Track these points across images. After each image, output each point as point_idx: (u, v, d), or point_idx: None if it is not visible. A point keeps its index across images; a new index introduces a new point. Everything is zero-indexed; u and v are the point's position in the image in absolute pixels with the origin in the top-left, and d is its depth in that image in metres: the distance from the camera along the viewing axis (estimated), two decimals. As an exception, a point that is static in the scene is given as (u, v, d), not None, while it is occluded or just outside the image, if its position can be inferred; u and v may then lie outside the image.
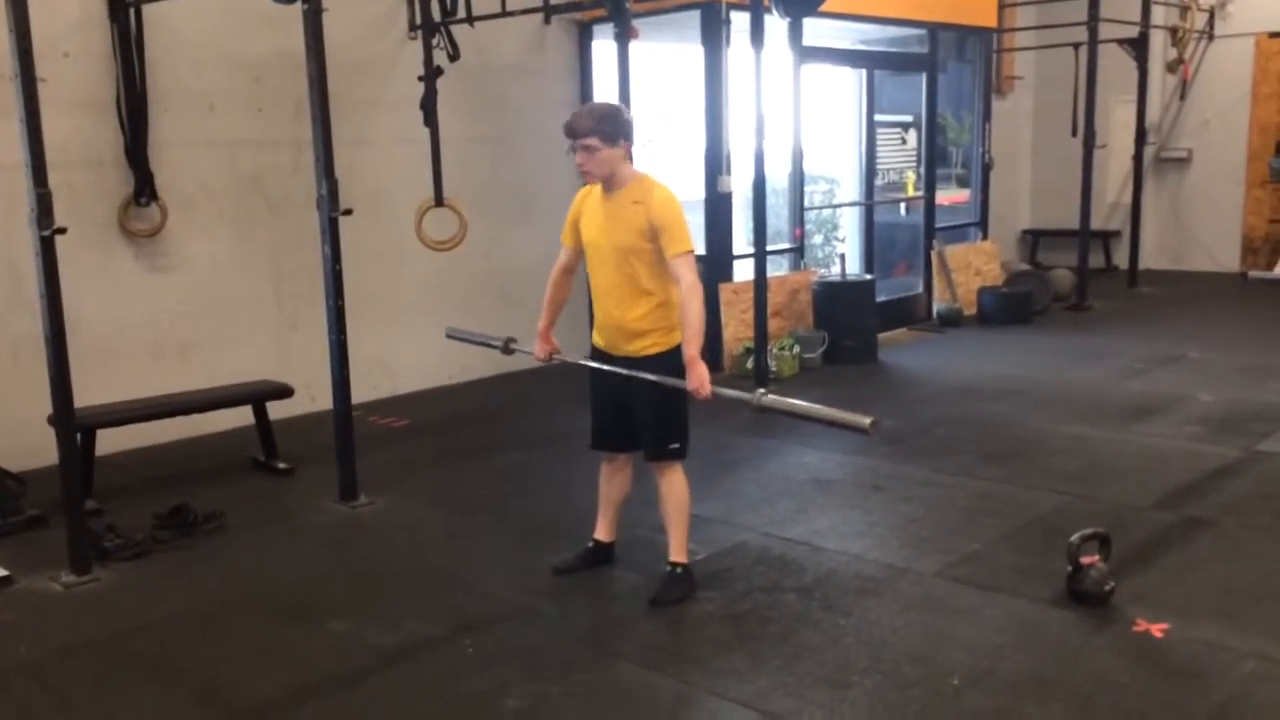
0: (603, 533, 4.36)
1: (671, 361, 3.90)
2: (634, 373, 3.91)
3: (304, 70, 4.91)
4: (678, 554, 4.06)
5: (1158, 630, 3.65)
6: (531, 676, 3.49)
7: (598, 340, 4.11)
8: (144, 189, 6.03)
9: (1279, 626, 3.67)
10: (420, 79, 6.58)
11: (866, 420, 3.48)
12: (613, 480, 4.28)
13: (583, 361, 4.16)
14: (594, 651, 3.67)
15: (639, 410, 4.00)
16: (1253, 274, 11.66)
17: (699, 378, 3.75)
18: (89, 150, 5.89)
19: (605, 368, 4.03)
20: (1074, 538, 3.89)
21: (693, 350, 3.77)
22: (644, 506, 4.50)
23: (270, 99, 6.56)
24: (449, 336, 4.83)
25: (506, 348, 4.47)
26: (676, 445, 4.02)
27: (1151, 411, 6.47)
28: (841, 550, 4.45)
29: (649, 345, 3.95)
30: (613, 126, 3.84)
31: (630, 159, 3.96)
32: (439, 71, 6.58)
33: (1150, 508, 4.85)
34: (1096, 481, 5.23)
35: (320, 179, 4.95)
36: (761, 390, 3.72)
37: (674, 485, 4.04)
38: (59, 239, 4.21)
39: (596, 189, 3.99)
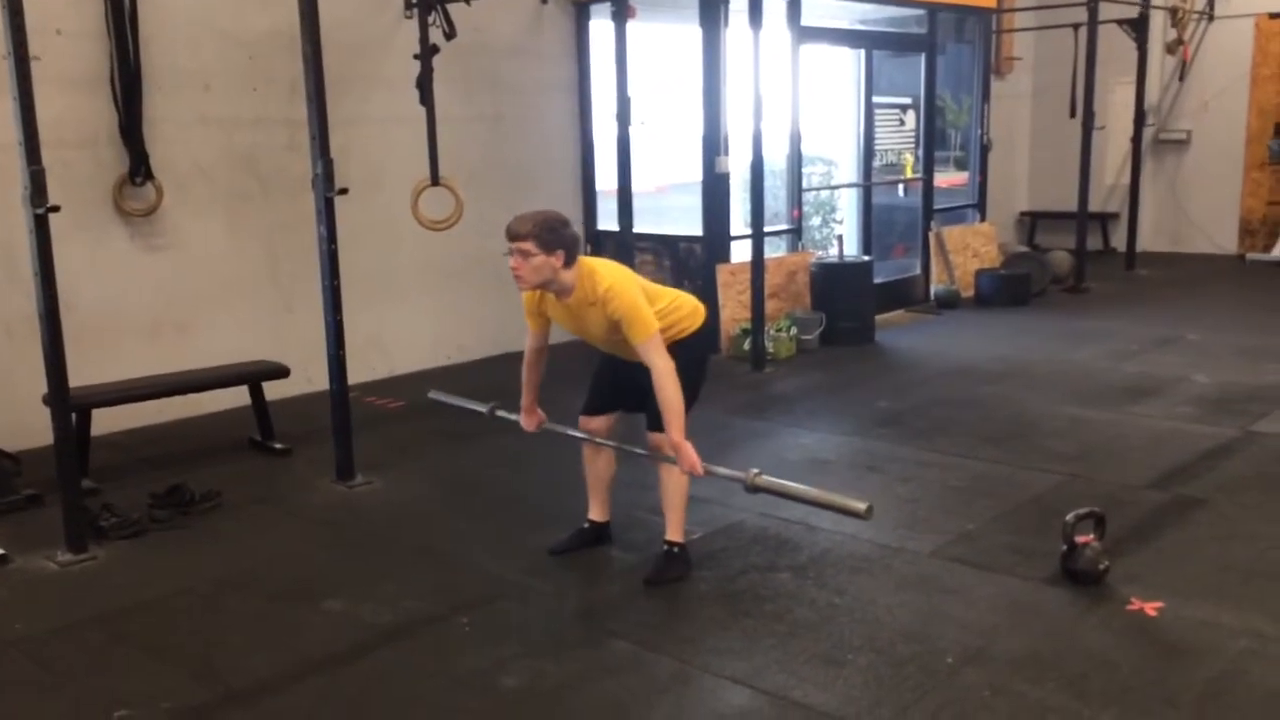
0: (596, 513, 4.37)
1: (681, 353, 3.88)
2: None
3: (299, 49, 4.89)
4: (674, 534, 4.07)
5: (1152, 609, 3.66)
6: (528, 654, 3.50)
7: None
8: (139, 168, 6.00)
9: (1272, 605, 3.68)
10: (416, 57, 6.55)
11: (862, 505, 3.36)
12: (596, 460, 4.27)
13: (571, 433, 4.20)
14: (590, 630, 3.68)
15: (644, 389, 3.93)
16: (1250, 256, 11.66)
17: (689, 461, 3.74)
18: (83, 129, 5.87)
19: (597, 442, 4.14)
20: (1069, 517, 3.89)
21: (676, 435, 3.73)
22: (641, 489, 4.51)
23: (265, 78, 6.53)
24: (432, 400, 4.83)
25: (491, 414, 4.48)
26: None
27: (1148, 392, 6.48)
28: (837, 530, 4.46)
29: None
30: (551, 235, 3.77)
31: (569, 268, 3.84)
32: (435, 50, 6.55)
33: (1145, 487, 4.86)
34: (1092, 462, 5.24)
35: (315, 158, 4.93)
36: (755, 470, 3.69)
37: (679, 474, 3.97)
38: (53, 218, 4.19)
39: (549, 295, 3.94)
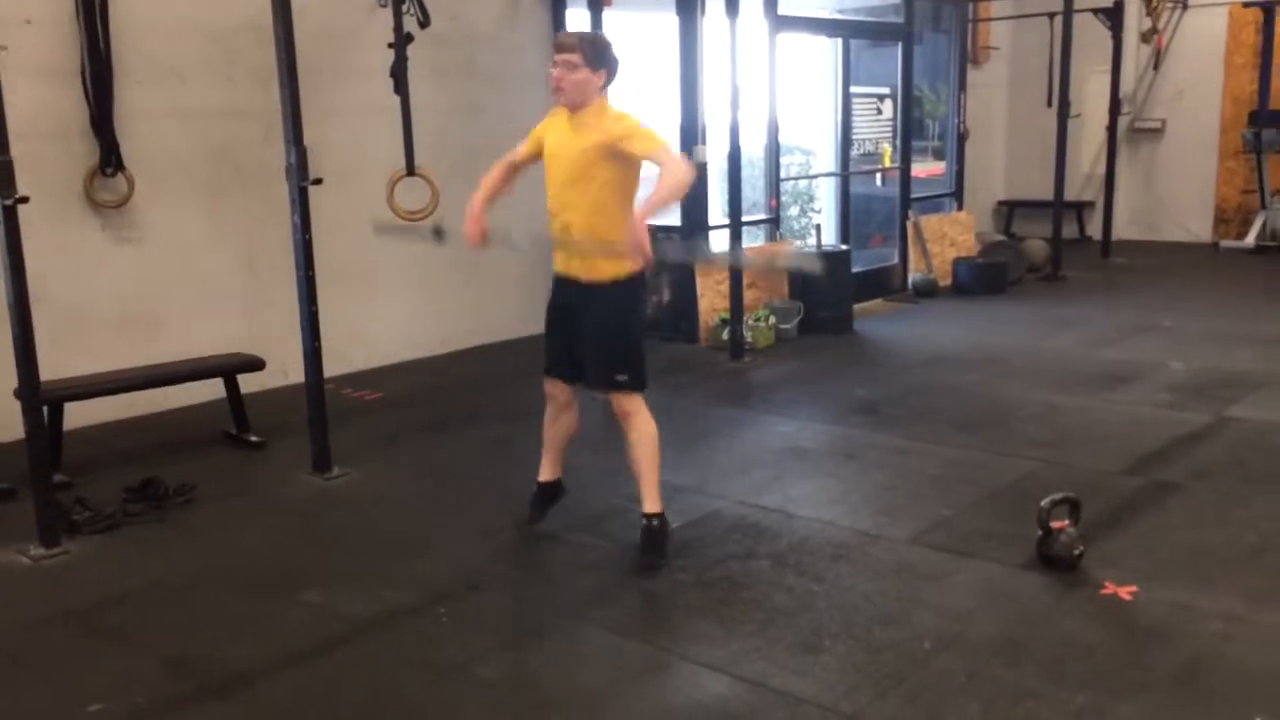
0: (546, 473, 4.35)
1: (625, 288, 3.87)
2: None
3: (272, 38, 4.84)
4: (651, 504, 4.03)
5: (1126, 593, 3.68)
6: (506, 644, 3.49)
7: (556, 265, 4.04)
8: (110, 159, 5.93)
9: (1245, 587, 3.72)
10: (390, 46, 6.51)
11: (817, 260, 3.43)
12: (557, 420, 4.25)
13: (515, 240, 4.10)
14: (568, 619, 3.67)
15: (585, 340, 3.94)
16: (1225, 244, 11.75)
17: (634, 238, 3.58)
18: (53, 120, 5.79)
19: (562, 294, 4.00)
20: (1044, 503, 3.92)
21: (639, 209, 3.64)
22: (620, 476, 4.49)
23: (240, 69, 6.47)
24: (376, 233, 4.70)
25: (436, 233, 4.34)
26: (624, 376, 3.90)
27: (1123, 379, 6.52)
28: (815, 517, 4.47)
29: (603, 269, 3.87)
30: (599, 52, 3.78)
31: (605, 94, 3.85)
32: (409, 38, 6.51)
33: (1120, 473, 4.89)
34: (1068, 448, 5.27)
35: (289, 147, 4.89)
36: (703, 245, 3.65)
37: (641, 430, 3.96)
38: (23, 209, 4.14)
39: (564, 112, 3.90)
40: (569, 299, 4.01)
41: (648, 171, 3.84)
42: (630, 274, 3.91)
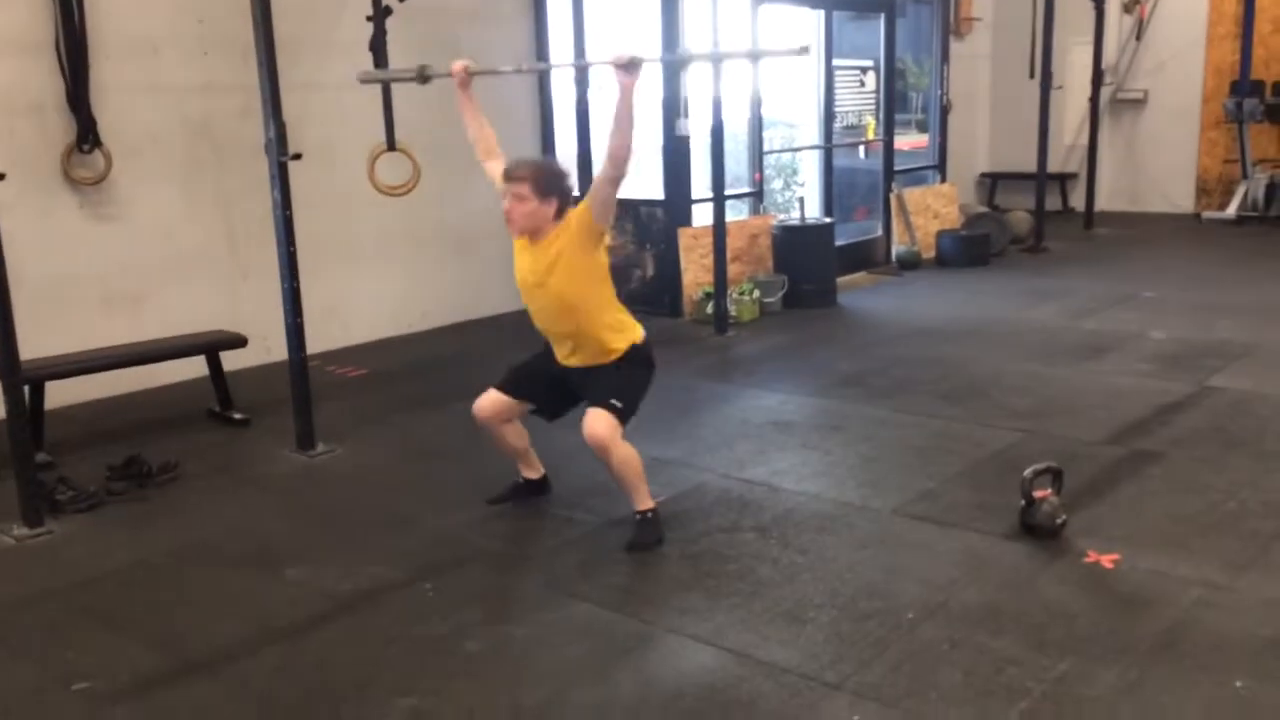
0: (528, 472, 4.41)
1: (624, 367, 3.96)
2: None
3: (250, 11, 4.78)
4: (641, 504, 4.04)
5: (1108, 561, 3.71)
6: (492, 619, 3.50)
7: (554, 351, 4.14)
8: (87, 135, 5.88)
9: (1225, 555, 3.75)
10: (369, 19, 6.44)
11: (796, 45, 3.55)
12: (504, 435, 4.26)
13: (501, 68, 4.19)
14: (553, 593, 3.68)
15: (589, 385, 3.99)
16: (1206, 215, 11.80)
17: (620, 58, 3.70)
18: (28, 95, 5.73)
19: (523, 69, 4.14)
20: (1027, 472, 3.94)
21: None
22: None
23: (216, 42, 6.40)
24: (361, 80, 4.84)
25: (421, 75, 4.41)
26: (618, 404, 3.92)
27: (1105, 350, 6.55)
28: (800, 490, 4.49)
29: (598, 361, 3.97)
30: (550, 183, 3.81)
31: (558, 219, 3.88)
32: (388, 11, 6.43)
33: (1102, 443, 4.93)
34: (1050, 418, 5.30)
35: (268, 122, 4.85)
36: (685, 48, 3.72)
37: (622, 457, 3.92)
38: (0, 186, 4.11)
39: (523, 240, 3.96)
40: (567, 372, 4.07)
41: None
42: (628, 349, 3.98)
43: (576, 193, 4.04)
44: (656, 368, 4.14)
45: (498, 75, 4.22)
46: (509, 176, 3.84)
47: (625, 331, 4.00)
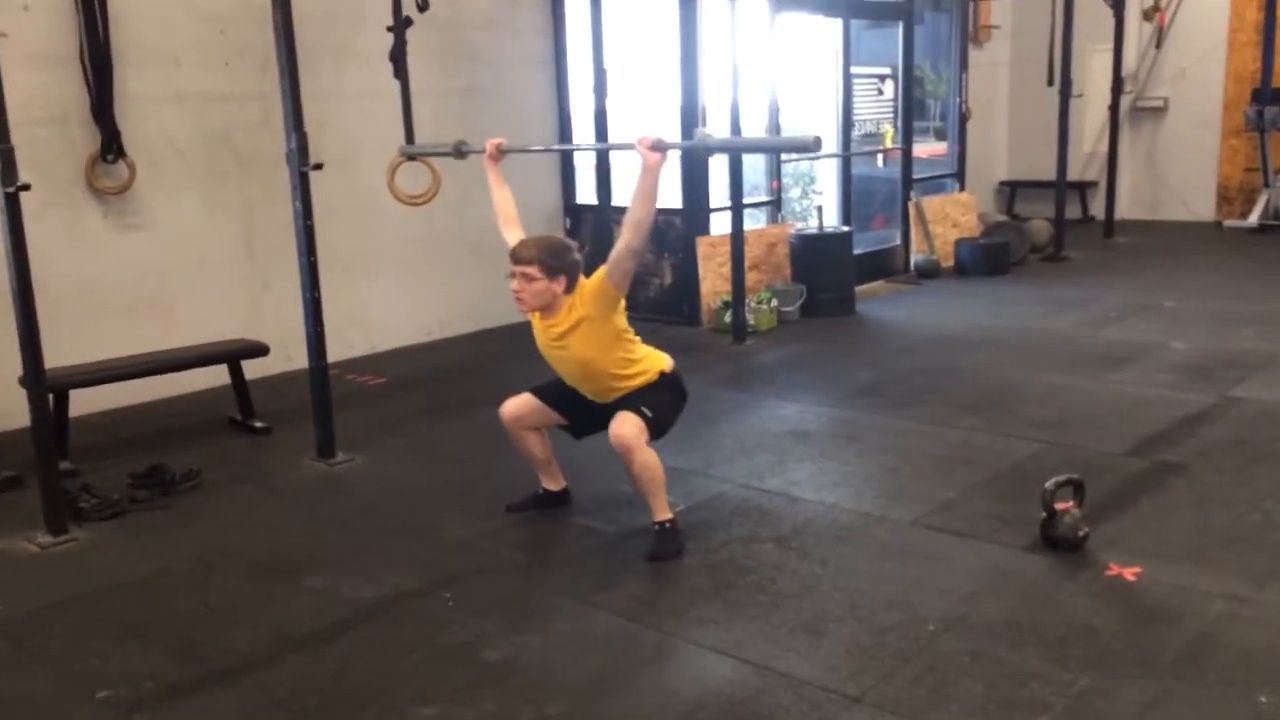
0: (549, 484, 4.43)
1: (655, 388, 4.01)
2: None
3: (270, 21, 4.82)
4: (660, 514, 4.03)
5: (1130, 574, 3.69)
6: (511, 628, 3.51)
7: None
8: (110, 145, 5.93)
9: (1249, 568, 3.72)
10: (390, 29, 6.48)
11: (810, 136, 3.62)
12: (527, 443, 4.29)
13: (533, 148, 4.28)
14: (574, 603, 3.68)
15: (622, 403, 4.00)
16: (1228, 223, 11.72)
17: (647, 142, 3.76)
18: (53, 106, 5.79)
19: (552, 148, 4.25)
20: (1048, 484, 3.92)
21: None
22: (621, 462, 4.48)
23: (237, 52, 6.45)
24: (401, 154, 5.30)
25: (457, 151, 4.67)
26: (649, 414, 3.93)
27: (1126, 360, 6.51)
28: (818, 500, 4.48)
29: (629, 388, 4.02)
30: (557, 260, 3.87)
31: (569, 294, 3.94)
32: (408, 22, 6.47)
33: (1124, 454, 4.90)
34: (1071, 429, 5.27)
35: (289, 132, 4.88)
36: (703, 131, 3.80)
37: (645, 463, 3.92)
38: (25, 197, 4.14)
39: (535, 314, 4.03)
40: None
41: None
42: (658, 377, 4.03)
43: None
44: (687, 395, 4.20)
45: (524, 150, 4.47)
46: (516, 259, 3.89)
47: (654, 369, 4.06)
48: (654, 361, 4.09)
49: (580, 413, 4.19)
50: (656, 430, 3.97)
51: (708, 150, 3.94)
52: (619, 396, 4.02)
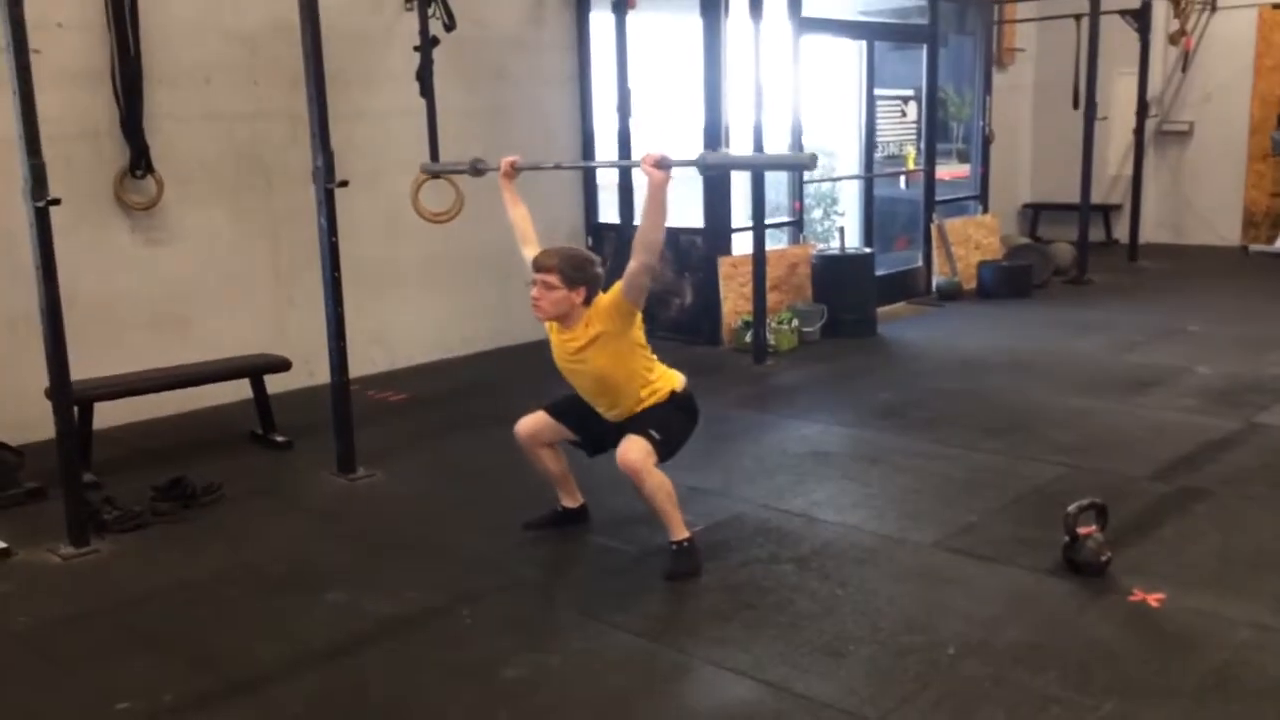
0: (567, 501, 4.43)
1: (665, 408, 4.01)
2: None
3: (300, 41, 4.88)
4: (676, 533, 4.02)
5: (1154, 600, 3.66)
6: (530, 646, 3.50)
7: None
8: (139, 161, 6.00)
9: (1274, 595, 3.68)
10: (416, 49, 6.54)
11: (807, 155, 3.70)
12: (542, 459, 4.30)
13: (542, 163, 4.29)
14: (592, 622, 3.67)
15: (632, 422, 4.02)
16: (1253, 248, 11.64)
17: (652, 160, 3.78)
18: (84, 122, 5.86)
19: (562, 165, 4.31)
20: (1071, 508, 3.89)
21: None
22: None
23: (266, 71, 6.52)
24: (423, 171, 5.50)
25: (474, 169, 4.73)
26: (657, 435, 3.93)
27: (1150, 384, 6.47)
28: (839, 521, 4.46)
29: (641, 406, 4.03)
30: (577, 272, 3.90)
31: (587, 305, 3.96)
32: (435, 42, 6.54)
33: (1148, 479, 4.86)
34: (1094, 453, 5.23)
35: (316, 150, 4.93)
36: (704, 152, 3.86)
37: (654, 484, 3.91)
38: (54, 211, 4.19)
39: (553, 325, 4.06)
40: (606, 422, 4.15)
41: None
42: (669, 396, 4.04)
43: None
44: (700, 415, 4.20)
45: (536, 168, 4.77)
46: (537, 267, 3.93)
47: (665, 388, 4.06)
48: (667, 380, 4.09)
49: (593, 429, 4.19)
50: (665, 452, 3.96)
51: (706, 167, 4.00)
52: (631, 415, 4.03)
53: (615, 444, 3.99)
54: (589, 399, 4.14)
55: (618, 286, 3.88)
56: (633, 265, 3.83)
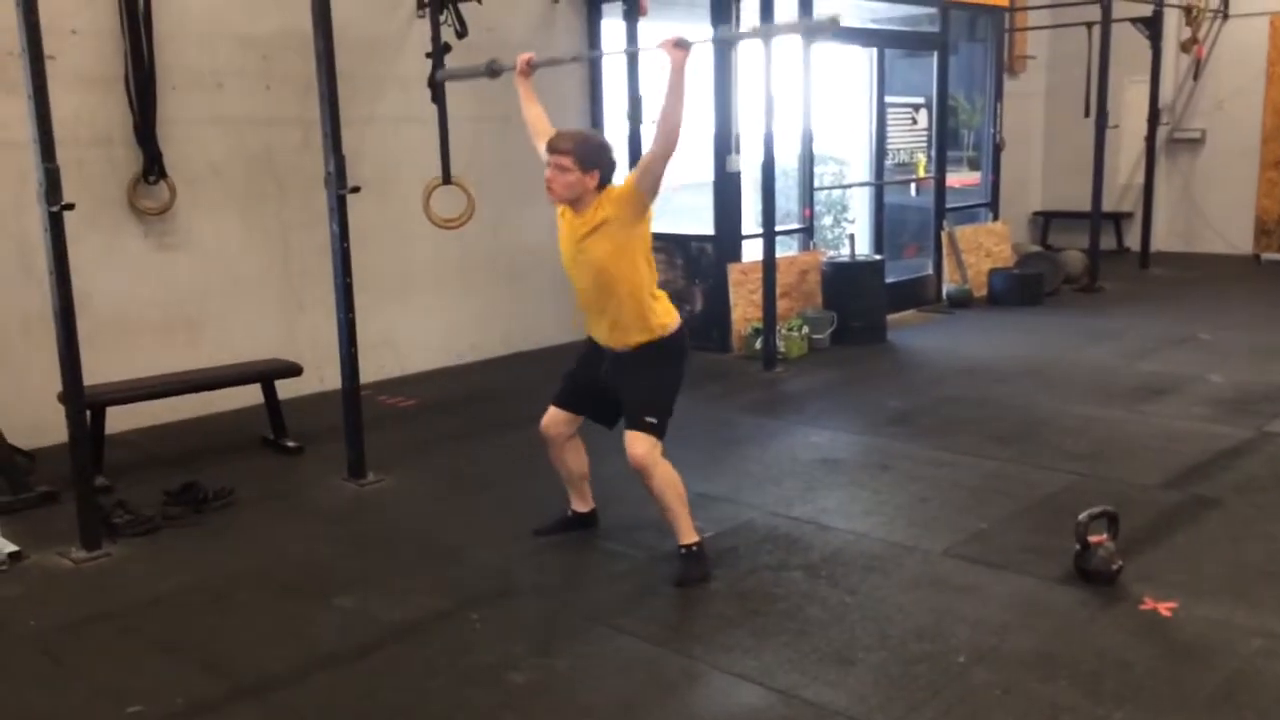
0: (578, 504, 4.42)
1: (658, 349, 3.96)
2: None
3: (312, 48, 4.90)
4: (685, 537, 4.03)
5: (1165, 609, 3.64)
6: (538, 651, 3.50)
7: (589, 332, 4.16)
8: (153, 167, 6.03)
9: (1287, 605, 3.66)
10: (428, 56, 6.56)
11: (827, 19, 3.77)
12: (565, 456, 4.29)
13: (557, 57, 4.48)
14: (600, 627, 3.67)
15: (624, 388, 4.01)
16: (1265, 256, 11.60)
17: (669, 43, 3.77)
18: (97, 128, 5.90)
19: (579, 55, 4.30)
20: (1082, 516, 3.88)
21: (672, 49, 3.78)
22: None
23: (279, 77, 6.55)
24: (440, 79, 5.50)
25: (489, 69, 4.77)
26: (654, 420, 3.92)
27: (1161, 392, 6.44)
28: (848, 529, 4.45)
29: (635, 339, 3.98)
30: (591, 155, 3.86)
31: (599, 191, 3.92)
32: (447, 49, 6.55)
33: (1159, 487, 4.84)
34: (1105, 461, 5.21)
35: (328, 156, 4.95)
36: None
37: (663, 479, 3.94)
38: (68, 216, 4.22)
39: (568, 209, 4.00)
40: (606, 360, 4.09)
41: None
42: (665, 336, 3.98)
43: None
44: (689, 356, 4.14)
45: (559, 62, 4.81)
46: (552, 148, 3.89)
47: (661, 313, 3.98)
48: (667, 313, 4.01)
49: (600, 403, 4.15)
50: (663, 428, 3.94)
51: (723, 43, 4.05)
52: (625, 350, 3.96)
53: (619, 412, 4.03)
54: (590, 313, 4.04)
55: (633, 176, 3.84)
56: (649, 152, 3.81)
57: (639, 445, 3.88)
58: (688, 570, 4.00)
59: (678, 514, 4.00)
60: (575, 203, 3.91)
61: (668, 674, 3.35)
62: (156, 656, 3.56)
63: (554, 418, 4.24)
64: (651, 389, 3.97)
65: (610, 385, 4.08)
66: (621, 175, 3.97)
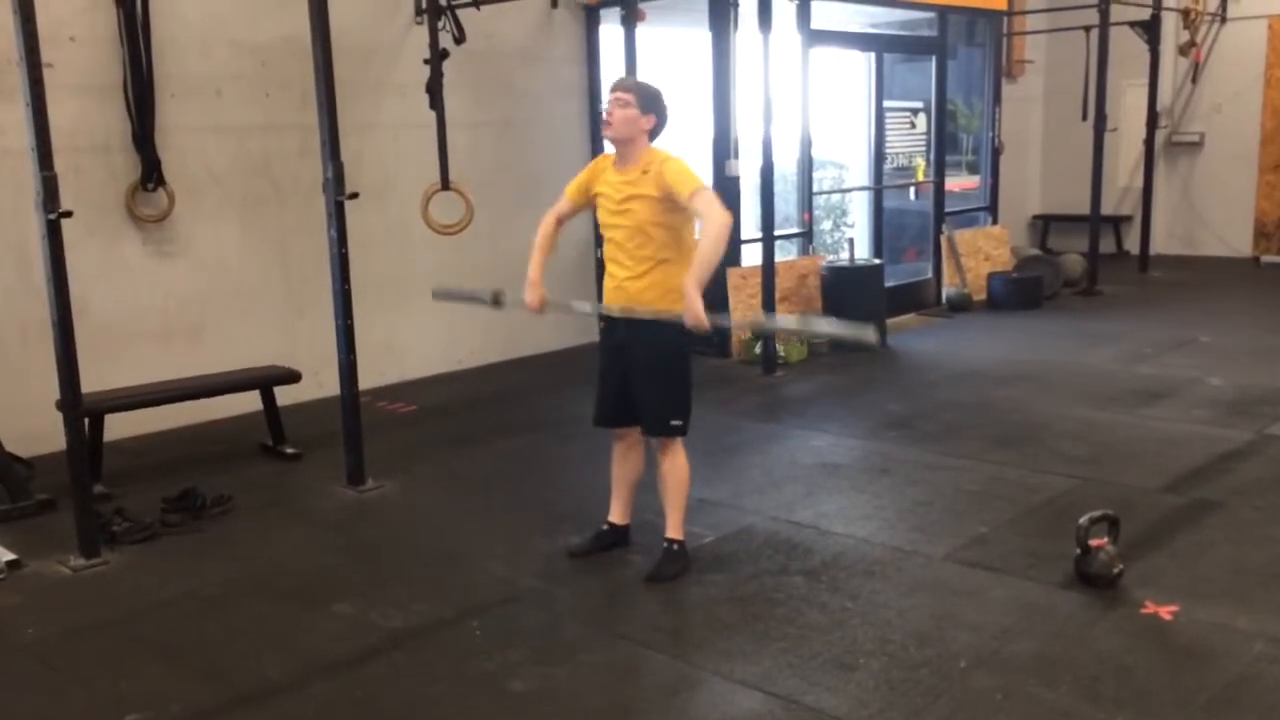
0: (617, 515, 4.37)
1: (662, 332, 3.93)
2: (630, 312, 3.94)
3: (310, 55, 4.90)
4: (674, 531, 4.08)
5: (1166, 612, 3.63)
6: (538, 658, 3.49)
7: (607, 301, 4.12)
8: (151, 174, 6.03)
9: (1288, 609, 3.65)
10: (426, 62, 6.57)
11: (872, 333, 3.67)
12: (626, 459, 4.28)
13: (574, 305, 4.30)
14: (600, 633, 3.67)
15: (638, 384, 4.02)
16: (1265, 259, 11.60)
17: (694, 312, 3.71)
18: (96, 135, 5.89)
19: (596, 310, 4.15)
20: (1083, 520, 3.87)
21: (690, 281, 3.74)
22: (652, 491, 4.48)
23: (277, 84, 6.55)
24: (436, 297, 5.00)
25: (496, 300, 4.41)
26: (678, 422, 4.01)
27: (1161, 395, 6.44)
28: (849, 533, 4.44)
29: (650, 298, 3.94)
30: (652, 99, 3.96)
31: (651, 139, 3.99)
32: (445, 55, 6.57)
33: (1160, 490, 4.83)
34: (1106, 465, 5.21)
35: (326, 162, 4.94)
36: (756, 314, 3.79)
37: (675, 463, 4.06)
38: (66, 224, 4.21)
39: (609, 162, 4.01)
40: (619, 339, 4.07)
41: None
42: (676, 317, 3.93)
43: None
44: (691, 357, 4.15)
45: (575, 311, 4.49)
46: (615, 86, 3.98)
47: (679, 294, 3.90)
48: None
49: (629, 408, 4.11)
50: (686, 425, 4.03)
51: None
52: (638, 318, 3.92)
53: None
54: (614, 253, 4.00)
55: (692, 191, 3.79)
56: (705, 214, 3.80)
57: (671, 451, 4.04)
58: (665, 566, 4.04)
59: (676, 504, 4.06)
60: (626, 147, 3.94)
61: (667, 680, 3.34)
62: (155, 664, 3.55)
63: (621, 436, 4.24)
64: (666, 389, 4.00)
65: (627, 376, 4.05)
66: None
